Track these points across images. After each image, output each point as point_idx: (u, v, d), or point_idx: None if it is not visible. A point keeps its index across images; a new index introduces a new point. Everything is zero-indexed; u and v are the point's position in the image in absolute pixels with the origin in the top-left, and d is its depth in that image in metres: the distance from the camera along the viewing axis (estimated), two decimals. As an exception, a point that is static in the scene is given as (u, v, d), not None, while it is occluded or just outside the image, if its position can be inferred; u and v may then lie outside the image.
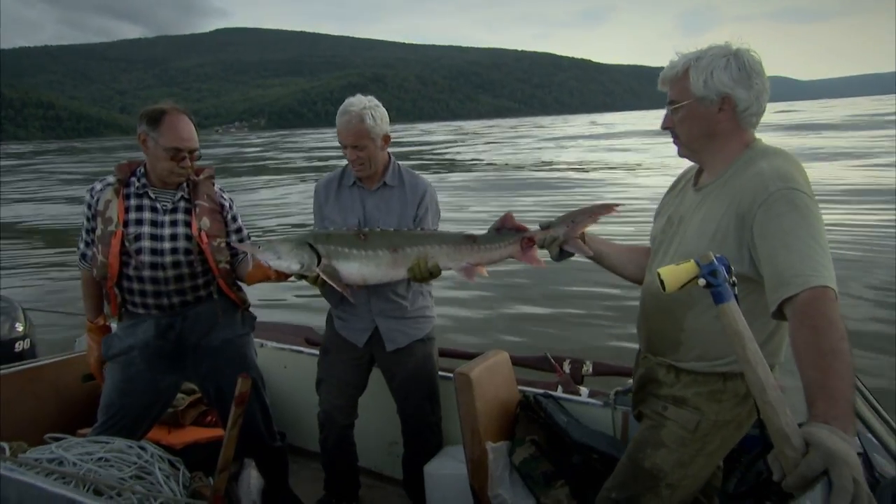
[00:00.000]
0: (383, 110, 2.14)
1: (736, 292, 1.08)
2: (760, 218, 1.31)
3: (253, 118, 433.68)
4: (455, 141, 54.85)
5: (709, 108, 1.45)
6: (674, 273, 1.10)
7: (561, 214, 1.80)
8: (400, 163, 2.29)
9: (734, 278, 1.09)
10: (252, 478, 2.32)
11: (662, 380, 1.56)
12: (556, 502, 1.97)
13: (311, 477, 2.67)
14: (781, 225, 1.27)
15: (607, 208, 1.78)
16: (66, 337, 3.15)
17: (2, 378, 2.36)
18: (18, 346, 2.85)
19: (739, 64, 1.42)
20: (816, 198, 1.34)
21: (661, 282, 1.10)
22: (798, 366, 1.11)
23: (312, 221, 2.40)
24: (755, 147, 1.47)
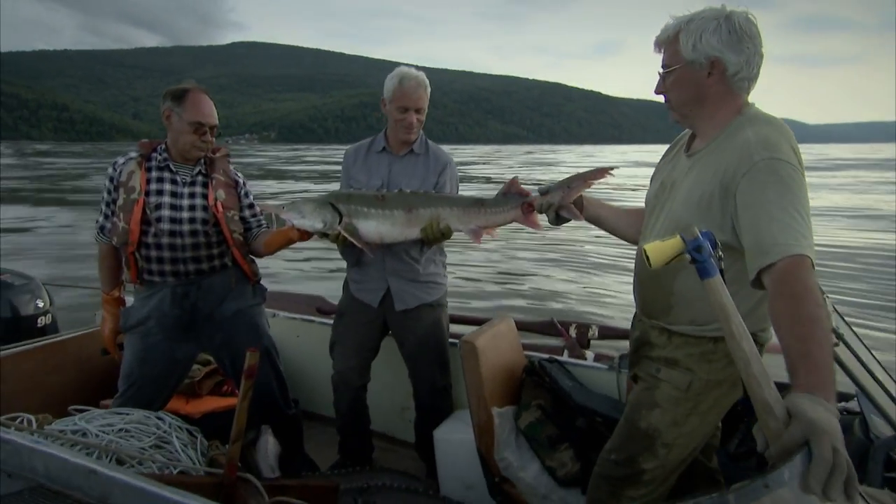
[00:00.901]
0: None
1: (721, 266, 1.08)
2: (744, 187, 1.30)
3: (264, 131, 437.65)
4: (476, 162, 55.30)
5: (698, 71, 1.42)
6: (659, 249, 1.10)
7: (558, 181, 1.83)
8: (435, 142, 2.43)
9: (720, 252, 1.09)
10: (269, 444, 2.41)
11: (655, 342, 1.57)
12: (561, 465, 2.01)
13: (326, 442, 2.75)
14: (764, 195, 1.26)
15: (601, 172, 1.80)
16: (87, 313, 3.18)
17: (27, 353, 2.43)
18: (41, 322, 2.93)
19: (730, 27, 1.38)
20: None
21: (647, 257, 1.11)
22: (777, 334, 1.12)
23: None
24: (746, 113, 1.44)
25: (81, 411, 1.95)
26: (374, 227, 2.01)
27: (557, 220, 1.84)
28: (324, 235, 2.01)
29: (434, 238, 2.01)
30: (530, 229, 2.01)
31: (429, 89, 2.29)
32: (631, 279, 1.73)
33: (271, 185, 23.98)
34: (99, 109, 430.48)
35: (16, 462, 1.50)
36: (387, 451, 2.78)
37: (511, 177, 2.02)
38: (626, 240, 1.78)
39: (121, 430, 1.86)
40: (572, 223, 1.84)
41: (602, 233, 1.96)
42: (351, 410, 2.48)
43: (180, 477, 1.75)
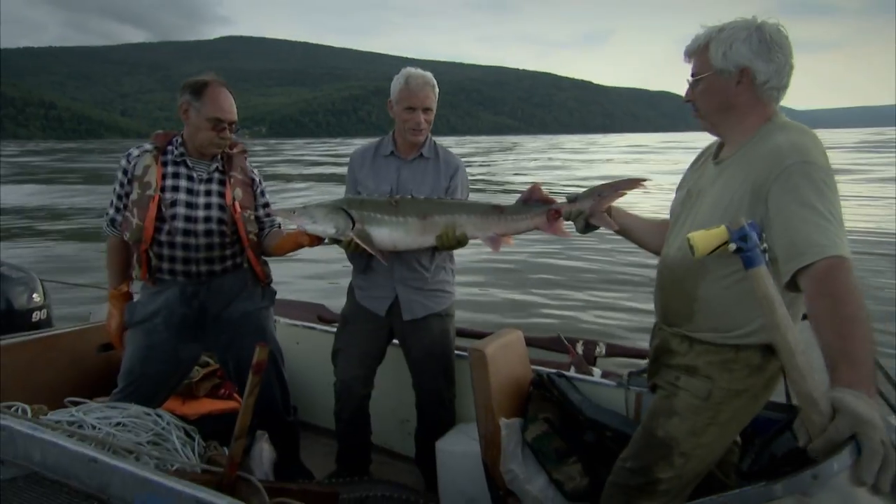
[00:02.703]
0: None
1: (767, 258, 1.08)
2: (776, 191, 1.30)
3: (254, 126, 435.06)
4: (474, 154, 54.98)
5: (727, 80, 1.43)
6: (705, 238, 1.10)
7: (588, 188, 1.82)
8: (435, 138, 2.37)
9: (765, 244, 1.09)
10: (264, 451, 2.36)
11: (676, 349, 1.56)
12: (569, 478, 1.98)
13: (322, 452, 2.70)
14: (797, 198, 1.26)
15: (634, 182, 1.79)
16: (81, 309, 3.17)
17: (23, 344, 2.39)
18: (35, 317, 2.89)
19: (761, 36, 1.40)
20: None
21: (692, 246, 1.10)
22: (817, 334, 1.12)
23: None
24: (774, 121, 1.45)
25: (77, 404, 1.91)
26: (388, 233, 1.97)
27: (587, 228, 1.82)
28: (335, 241, 1.98)
29: (449, 246, 1.97)
30: (554, 236, 1.98)
31: (436, 89, 2.24)
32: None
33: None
34: (86, 107, 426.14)
35: (11, 449, 1.47)
36: (384, 464, 2.72)
37: (531, 183, 1.99)
38: (651, 251, 1.76)
39: (118, 423, 1.82)
40: (601, 230, 1.82)
41: (611, 245, 1.95)
42: (353, 420, 2.41)
43: (179, 474, 1.67)
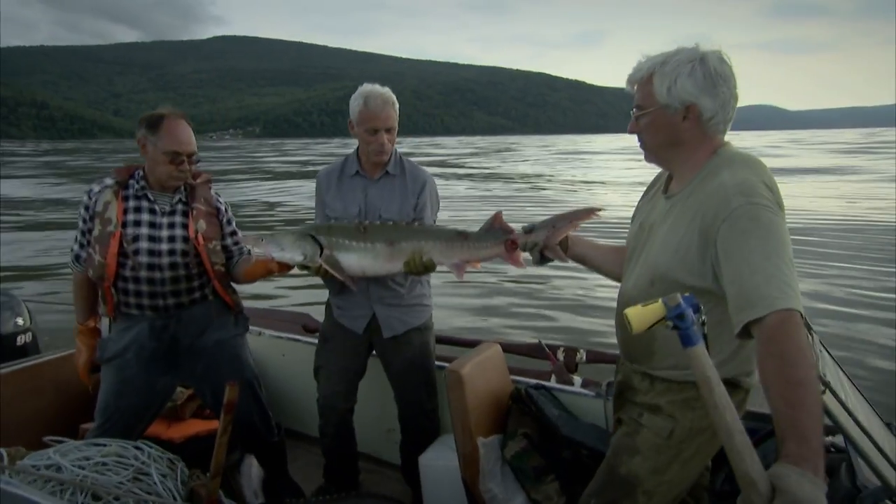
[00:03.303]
0: None
1: (705, 332, 1.06)
2: (724, 234, 1.27)
3: (248, 126, 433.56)
4: (475, 153, 55.16)
5: (673, 116, 1.39)
6: (640, 315, 1.08)
7: (544, 219, 1.80)
8: (400, 152, 2.32)
9: (703, 317, 1.07)
10: (253, 468, 2.38)
11: (638, 387, 1.55)
12: (546, 498, 1.99)
13: (311, 462, 2.71)
14: (746, 243, 1.23)
15: (587, 213, 1.77)
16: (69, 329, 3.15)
17: (4, 377, 2.38)
18: (20, 340, 2.89)
19: (705, 71, 1.36)
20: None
21: (629, 323, 1.08)
22: (766, 395, 1.10)
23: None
24: (721, 154, 1.42)
25: (57, 441, 1.91)
26: (356, 260, 1.97)
27: (542, 260, 1.80)
28: (304, 268, 1.97)
29: (417, 272, 1.97)
30: (512, 266, 1.96)
31: (397, 105, 2.20)
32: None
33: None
34: (79, 106, 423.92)
35: None
36: (372, 472, 2.75)
37: (495, 211, 1.98)
38: (611, 278, 1.74)
39: (97, 462, 1.82)
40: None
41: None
42: (337, 435, 2.43)
43: None
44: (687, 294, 1.07)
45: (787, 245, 1.24)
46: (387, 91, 2.18)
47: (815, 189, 19.09)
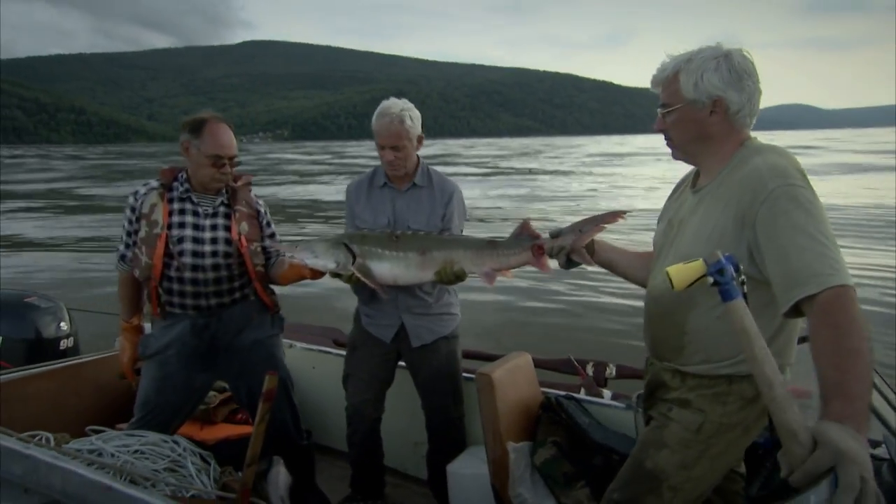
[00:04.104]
0: (418, 112, 2.27)
1: (744, 290, 1.08)
2: (763, 216, 1.29)
3: (277, 129, 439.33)
4: (501, 156, 54.10)
5: (700, 111, 1.43)
6: (682, 271, 1.10)
7: (570, 223, 1.82)
8: (428, 164, 2.38)
9: (742, 276, 1.09)
10: (280, 475, 2.38)
11: (669, 384, 1.54)
12: (577, 503, 1.98)
13: (338, 475, 2.73)
14: (789, 223, 1.25)
15: (613, 216, 1.78)
16: (108, 333, 3.32)
17: (49, 373, 2.49)
18: (63, 345, 3.00)
19: (730, 65, 1.40)
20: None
21: (670, 280, 1.10)
22: (816, 364, 1.10)
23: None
24: (748, 145, 1.45)
25: (98, 432, 1.98)
26: (389, 268, 2.00)
27: (568, 263, 1.81)
28: (336, 275, 2.01)
29: (448, 281, 1.99)
30: (541, 272, 1.97)
31: (409, 122, 2.19)
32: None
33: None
34: (114, 111, 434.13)
35: (34, 478, 1.52)
36: (398, 486, 2.74)
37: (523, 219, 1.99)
38: (637, 283, 1.75)
39: (136, 451, 1.89)
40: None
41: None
42: (365, 444, 2.44)
43: (193, 501, 1.77)
44: (727, 253, 1.09)
45: (828, 223, 1.26)
46: (397, 108, 2.20)
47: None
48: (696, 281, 1.10)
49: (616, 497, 1.56)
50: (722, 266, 1.08)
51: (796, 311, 1.22)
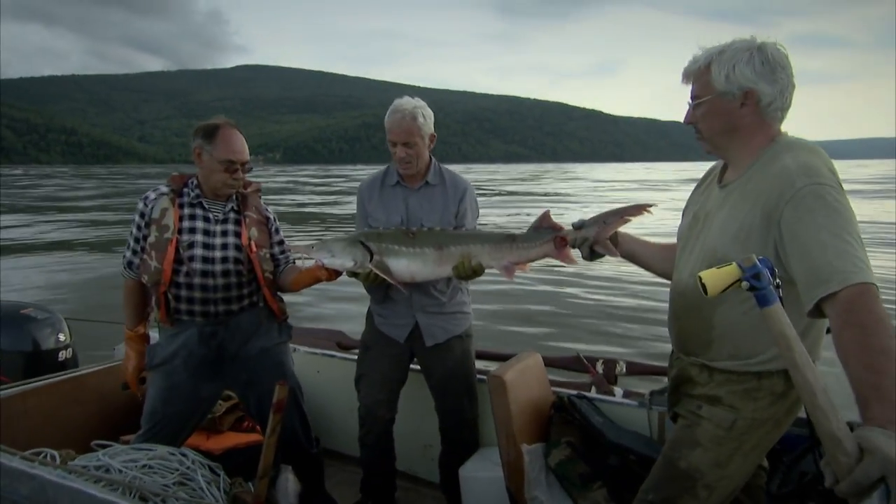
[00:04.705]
0: (430, 111, 2.26)
1: (780, 294, 1.05)
2: (788, 215, 1.27)
3: (269, 152, 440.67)
4: (502, 180, 53.90)
5: (731, 102, 1.41)
6: (715, 276, 1.07)
7: (594, 215, 1.81)
8: (440, 163, 2.36)
9: (778, 279, 1.06)
10: (290, 483, 2.36)
11: (696, 379, 1.52)
12: None
13: (347, 480, 2.70)
14: (813, 221, 1.23)
15: (639, 209, 1.78)
16: (106, 343, 3.24)
17: (49, 387, 2.44)
18: (62, 356, 2.93)
19: (763, 58, 1.38)
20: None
21: (703, 286, 1.07)
22: (845, 365, 1.07)
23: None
24: (779, 141, 1.42)
25: (104, 446, 1.95)
26: (406, 265, 1.99)
27: (592, 255, 1.81)
28: (353, 274, 2.00)
29: (466, 276, 1.97)
30: (563, 264, 1.96)
31: (421, 119, 2.18)
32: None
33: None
34: (106, 133, 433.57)
35: (41, 497, 1.50)
36: (409, 490, 2.71)
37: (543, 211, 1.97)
38: (660, 276, 1.74)
39: (144, 466, 1.86)
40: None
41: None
42: (377, 445, 2.41)
43: None
44: (762, 256, 1.07)
45: (855, 222, 1.24)
46: (410, 105, 2.19)
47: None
48: (730, 286, 1.07)
49: (651, 498, 1.54)
50: (758, 270, 1.05)
51: (819, 310, 1.20)
